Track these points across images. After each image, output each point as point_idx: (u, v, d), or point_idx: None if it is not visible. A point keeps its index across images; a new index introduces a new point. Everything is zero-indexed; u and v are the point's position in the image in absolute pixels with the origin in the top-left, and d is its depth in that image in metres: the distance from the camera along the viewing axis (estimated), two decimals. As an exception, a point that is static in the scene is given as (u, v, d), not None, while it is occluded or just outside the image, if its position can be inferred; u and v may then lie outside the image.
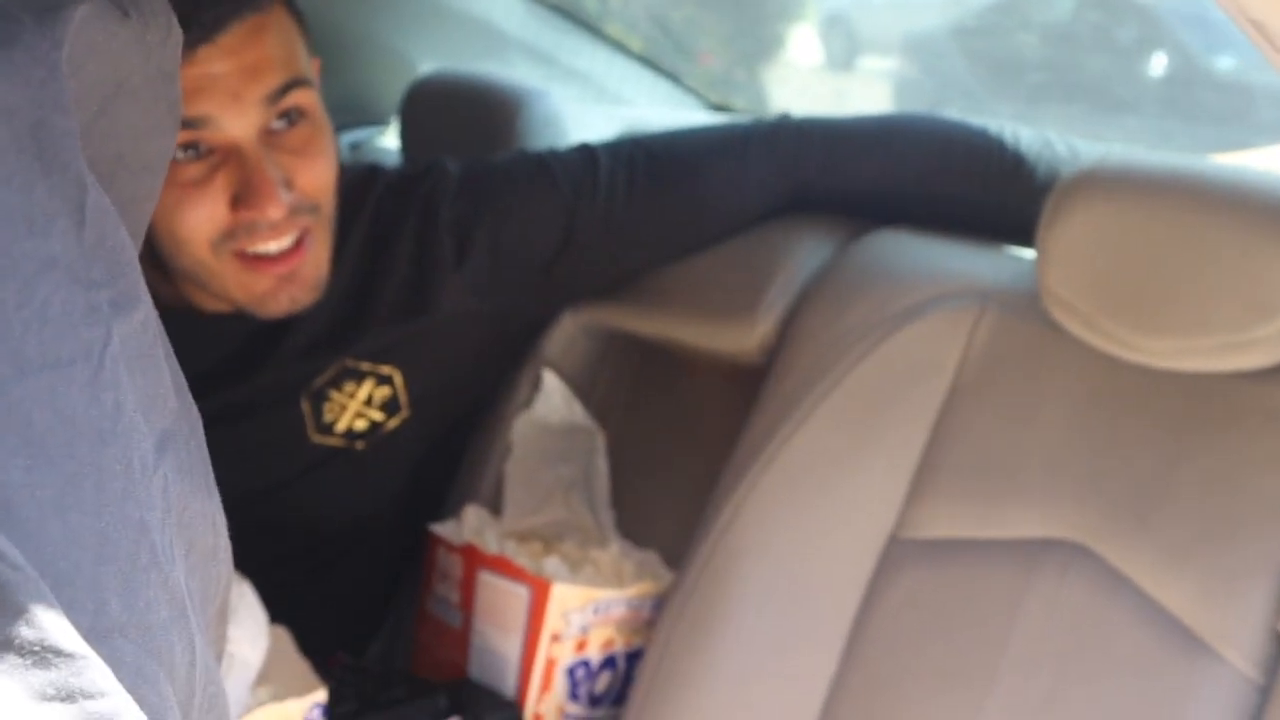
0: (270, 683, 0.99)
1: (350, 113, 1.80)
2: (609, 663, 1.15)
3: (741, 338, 1.19)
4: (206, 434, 1.30)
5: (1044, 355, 1.04)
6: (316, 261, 1.13)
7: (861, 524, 1.07)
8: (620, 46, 1.91)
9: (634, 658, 1.15)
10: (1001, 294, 1.08)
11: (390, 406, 1.22)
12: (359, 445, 1.22)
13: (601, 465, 1.29)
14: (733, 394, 1.23)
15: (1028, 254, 1.13)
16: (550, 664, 1.11)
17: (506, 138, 1.48)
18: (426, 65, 1.80)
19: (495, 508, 1.28)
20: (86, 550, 0.34)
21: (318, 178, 1.11)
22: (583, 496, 1.28)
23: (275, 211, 1.06)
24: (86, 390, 0.34)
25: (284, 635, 1.01)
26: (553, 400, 1.29)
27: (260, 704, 0.98)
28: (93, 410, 0.34)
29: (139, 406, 0.36)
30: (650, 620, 1.15)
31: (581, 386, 1.33)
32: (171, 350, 0.40)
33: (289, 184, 1.08)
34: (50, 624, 0.31)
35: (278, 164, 1.07)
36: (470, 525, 1.19)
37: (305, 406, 1.20)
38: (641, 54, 1.93)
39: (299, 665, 0.99)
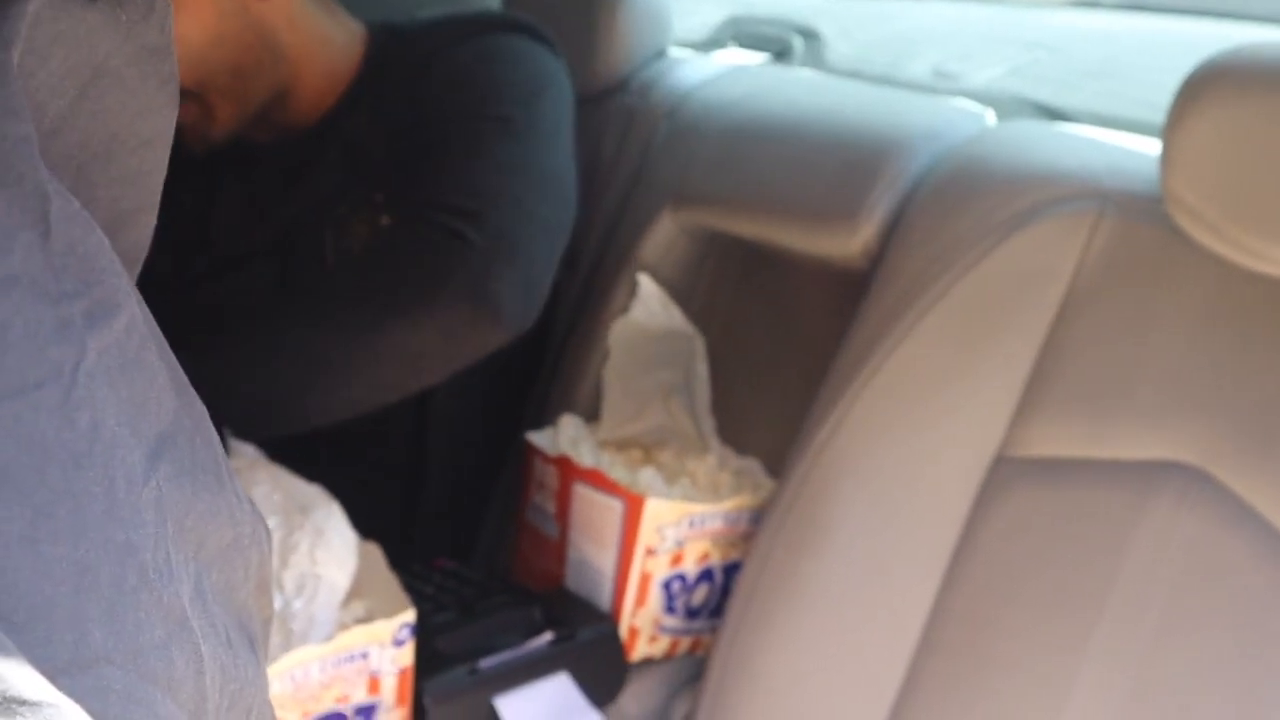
0: (363, 598, 0.99)
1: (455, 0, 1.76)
2: (705, 576, 1.13)
3: (843, 241, 1.13)
4: (256, 260, 1.30)
5: (1166, 263, 0.97)
6: (195, 129, 1.19)
7: (968, 441, 1.02)
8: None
9: (731, 570, 1.14)
10: (1121, 195, 1.01)
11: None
12: None
13: (702, 370, 1.26)
14: (838, 296, 1.19)
15: (1151, 147, 1.05)
16: (645, 578, 1.10)
17: (608, 27, 1.43)
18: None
19: (594, 414, 1.26)
20: (63, 582, 0.32)
21: None
22: (683, 402, 1.26)
23: None
24: (58, 413, 0.32)
25: (375, 552, 1.01)
26: (650, 305, 1.26)
27: (355, 618, 0.98)
28: (66, 433, 0.32)
29: (124, 418, 0.34)
30: (748, 533, 1.13)
31: (681, 289, 1.29)
32: (167, 345, 0.38)
33: None
34: (11, 673, 0.29)
35: None
36: (566, 435, 1.17)
37: (328, 232, 1.22)
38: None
39: (390, 583, 0.99)
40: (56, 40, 0.34)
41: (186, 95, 1.17)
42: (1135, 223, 0.99)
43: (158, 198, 0.44)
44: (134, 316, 0.35)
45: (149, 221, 0.45)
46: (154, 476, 0.35)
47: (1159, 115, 0.96)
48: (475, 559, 1.35)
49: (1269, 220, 0.89)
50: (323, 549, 0.92)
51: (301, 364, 1.09)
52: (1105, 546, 0.94)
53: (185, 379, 0.38)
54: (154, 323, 0.37)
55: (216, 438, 0.41)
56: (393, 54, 1.27)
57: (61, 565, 0.32)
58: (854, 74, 1.40)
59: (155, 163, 0.42)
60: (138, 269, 0.47)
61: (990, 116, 1.19)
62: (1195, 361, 0.94)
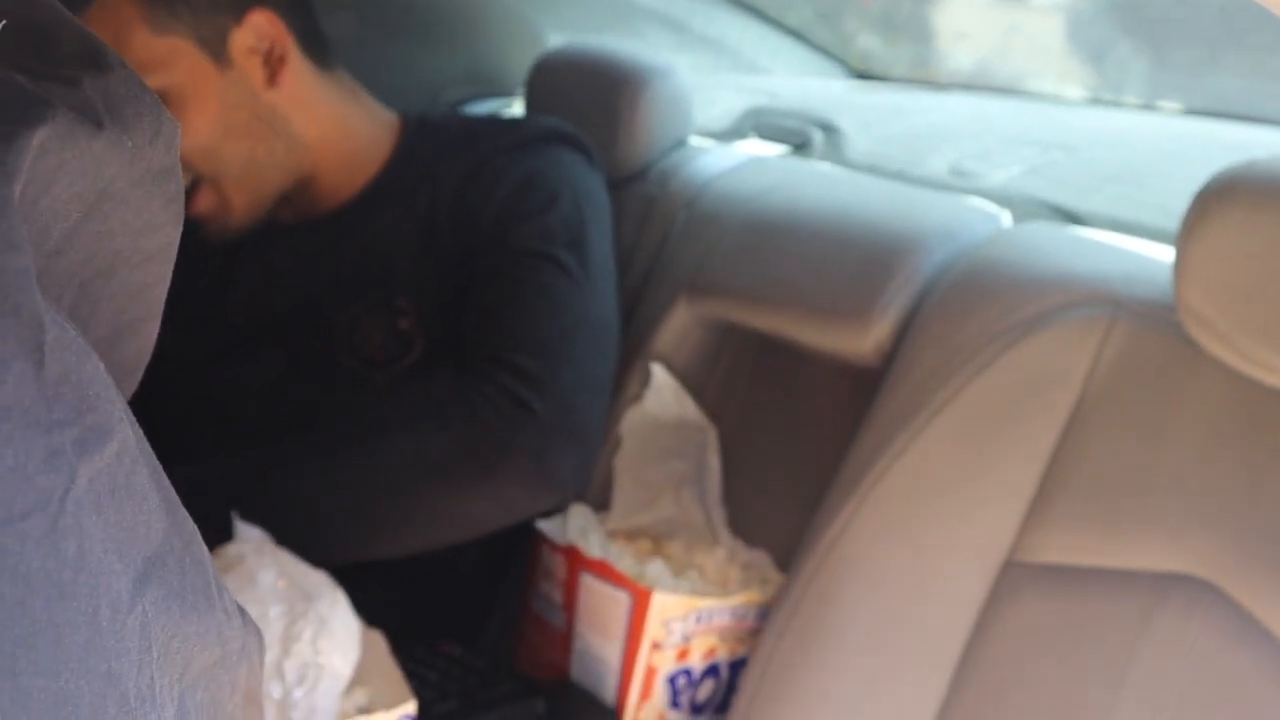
0: (364, 686, 0.99)
1: (478, 84, 1.79)
2: (711, 671, 1.12)
3: (856, 339, 1.14)
4: (267, 342, 1.29)
5: (1178, 372, 0.97)
6: (212, 217, 1.21)
7: (977, 544, 1.02)
8: (756, 11, 1.85)
9: (738, 666, 1.13)
10: (1134, 302, 1.01)
11: (405, 341, 1.22)
12: (379, 377, 1.22)
13: (714, 461, 1.26)
14: (851, 391, 1.19)
15: (1166, 254, 1.05)
16: (650, 672, 1.09)
17: (630, 115, 1.44)
18: (556, 37, 1.77)
19: (604, 502, 1.26)
20: (42, 713, 0.32)
21: None
22: (694, 493, 1.25)
23: None
24: (44, 543, 0.32)
25: (379, 640, 1.00)
26: (663, 395, 1.26)
27: (357, 707, 0.98)
28: (50, 563, 0.32)
29: (111, 544, 0.34)
30: (755, 628, 1.12)
31: (695, 379, 1.30)
32: (159, 465, 0.38)
33: None
34: None
35: None
36: (575, 525, 1.17)
37: (341, 328, 1.23)
38: (779, 19, 1.87)
39: (392, 672, 0.98)
40: (61, 168, 0.35)
41: (203, 184, 1.18)
42: (1148, 330, 0.99)
43: (160, 307, 0.45)
44: (126, 440, 0.36)
45: (152, 330, 0.45)
46: (140, 602, 0.35)
47: (1173, 222, 0.96)
48: (481, 643, 1.34)
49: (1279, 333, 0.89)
50: (325, 638, 0.92)
51: (355, 515, 1.10)
52: (1113, 657, 0.93)
53: (176, 498, 0.38)
54: (146, 443, 0.37)
55: (207, 554, 0.41)
56: (427, 148, 1.28)
57: (41, 696, 0.32)
58: (872, 169, 1.41)
59: (158, 275, 0.42)
60: (139, 375, 0.47)
61: (1006, 218, 1.19)
62: (1206, 473, 0.93)
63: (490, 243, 1.20)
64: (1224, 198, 0.92)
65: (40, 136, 0.33)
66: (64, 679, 0.32)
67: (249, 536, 1.00)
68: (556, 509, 1.15)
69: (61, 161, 0.34)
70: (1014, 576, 1.00)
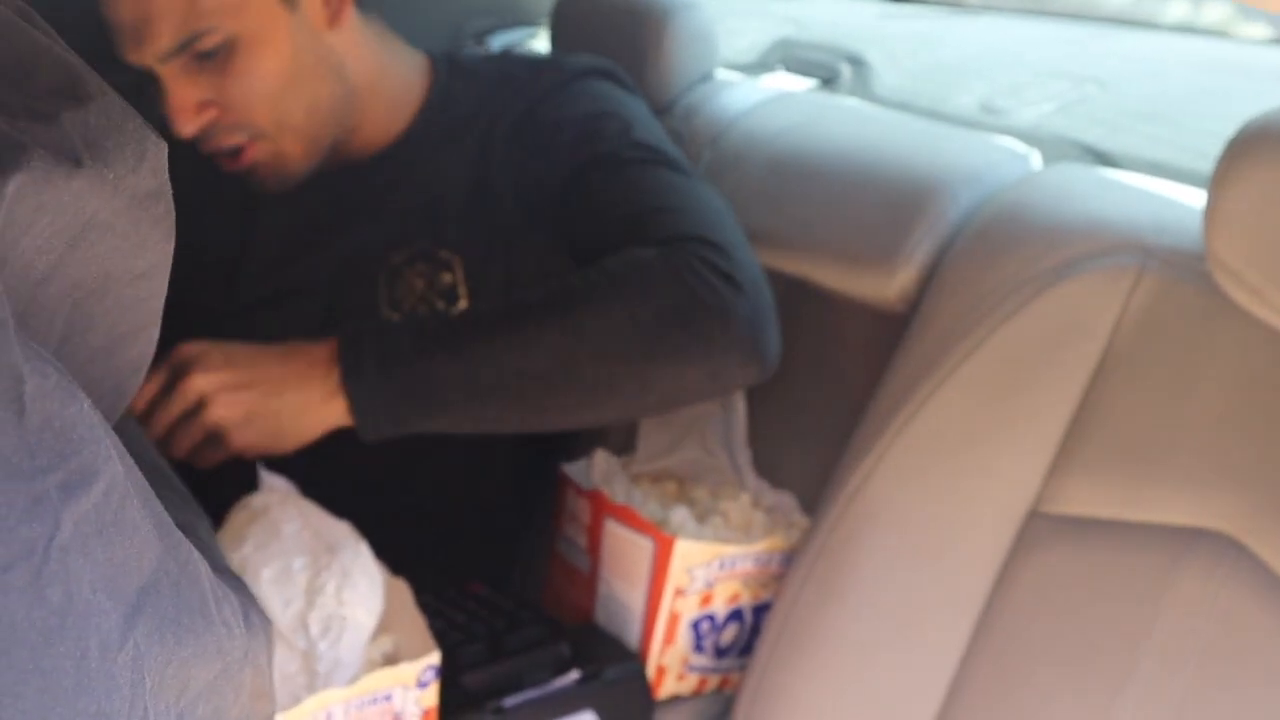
0: (390, 633, 1.00)
1: (501, 13, 1.76)
2: (735, 616, 1.13)
3: (880, 285, 1.12)
4: (303, 297, 1.27)
5: (1207, 324, 0.96)
6: (269, 168, 1.19)
7: (1001, 494, 1.01)
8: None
9: (761, 611, 1.13)
10: (1164, 251, 0.99)
11: (449, 295, 1.21)
12: None
13: (739, 403, 1.26)
14: (877, 336, 1.18)
15: (1198, 199, 1.03)
16: (674, 618, 1.10)
17: (655, 49, 1.42)
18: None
19: (628, 444, 1.26)
20: None
21: (243, 99, 1.14)
22: (719, 435, 1.25)
23: (186, 129, 1.13)
24: (28, 592, 0.32)
25: (403, 589, 1.01)
26: (688, 338, 1.25)
27: (382, 653, 0.99)
28: (36, 611, 0.32)
29: (100, 583, 0.34)
30: (779, 574, 1.13)
31: (720, 322, 1.29)
32: (152, 493, 0.38)
33: (213, 104, 1.14)
34: None
35: (205, 85, 1.13)
36: (599, 470, 1.17)
37: (381, 279, 1.21)
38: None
39: (417, 621, 0.99)
40: (40, 210, 0.34)
41: (260, 137, 1.17)
42: (1177, 280, 0.98)
43: (159, 314, 0.45)
44: (115, 477, 0.36)
45: (152, 335, 0.45)
46: (132, 636, 0.35)
47: (1208, 164, 0.94)
48: (510, 583, 1.35)
49: (1312, 288, 0.87)
50: (349, 590, 0.93)
51: (561, 380, 1.06)
52: (1135, 611, 0.93)
53: (169, 520, 0.39)
54: (137, 472, 0.37)
55: (204, 570, 0.41)
56: (465, 92, 1.25)
57: None
58: (901, 105, 1.38)
59: (152, 290, 0.42)
60: (143, 374, 0.47)
61: (1036, 158, 1.17)
62: (1232, 428, 0.92)
63: (571, 173, 1.17)
64: (1256, 147, 0.90)
65: (15, 184, 0.33)
66: None
67: (275, 486, 1.01)
68: (753, 383, 1.11)
69: (40, 204, 0.34)
70: (1037, 527, 1.00)
